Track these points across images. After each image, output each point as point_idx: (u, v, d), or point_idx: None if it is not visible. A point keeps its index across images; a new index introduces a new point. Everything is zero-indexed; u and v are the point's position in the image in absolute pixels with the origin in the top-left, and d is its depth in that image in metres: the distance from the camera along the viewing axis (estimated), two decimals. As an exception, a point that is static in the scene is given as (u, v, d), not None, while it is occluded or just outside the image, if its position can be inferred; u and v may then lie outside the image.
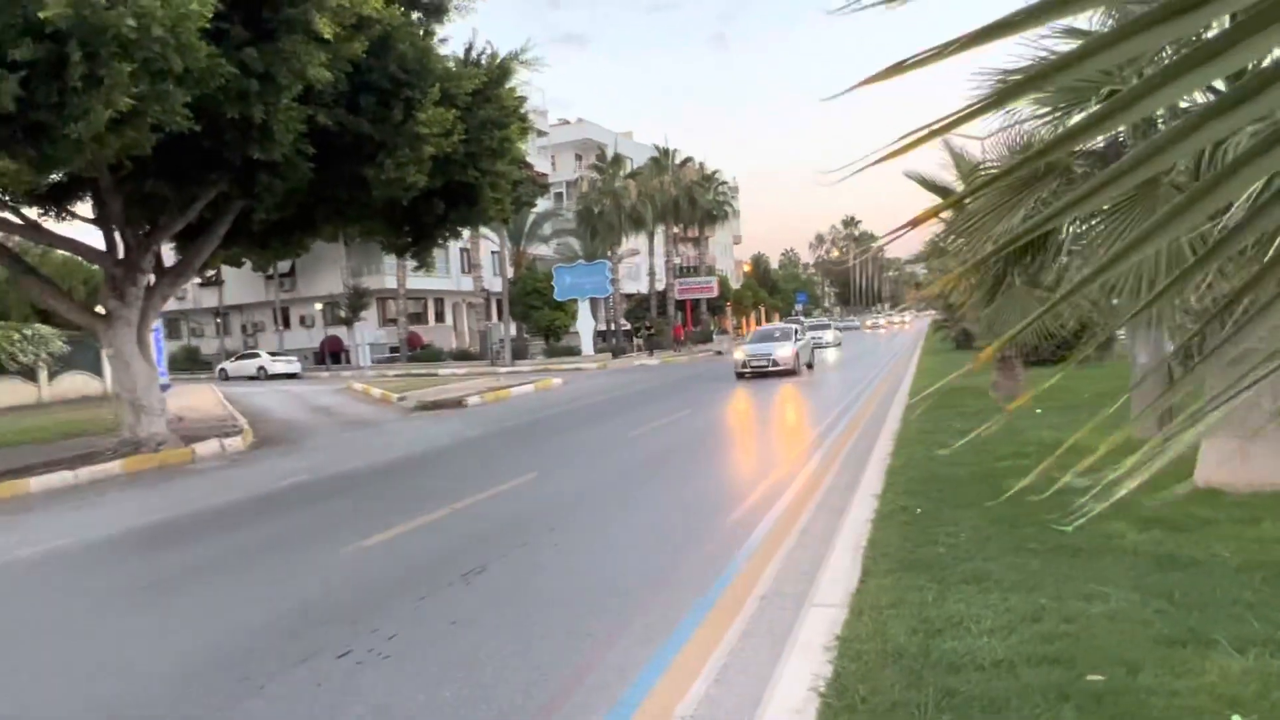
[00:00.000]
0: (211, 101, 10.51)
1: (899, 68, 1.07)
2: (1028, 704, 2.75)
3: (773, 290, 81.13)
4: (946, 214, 13.10)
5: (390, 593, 5.77)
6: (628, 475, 9.97)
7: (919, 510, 5.65)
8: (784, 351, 22.93)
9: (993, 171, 6.04)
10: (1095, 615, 3.50)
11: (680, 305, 58.49)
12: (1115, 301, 13.82)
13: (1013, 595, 3.83)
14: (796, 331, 25.28)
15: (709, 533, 6.81)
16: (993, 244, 6.12)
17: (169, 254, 16.74)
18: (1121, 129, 5.83)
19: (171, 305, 47.08)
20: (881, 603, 3.80)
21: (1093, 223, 5.29)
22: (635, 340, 48.17)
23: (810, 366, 25.23)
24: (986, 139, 7.52)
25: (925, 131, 1.03)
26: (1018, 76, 6.01)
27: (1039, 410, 10.40)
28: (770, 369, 22.65)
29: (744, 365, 22.96)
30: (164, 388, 22.90)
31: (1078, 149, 5.99)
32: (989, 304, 7.10)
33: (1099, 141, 6.24)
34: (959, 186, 12.20)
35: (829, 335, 39.35)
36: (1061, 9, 1.02)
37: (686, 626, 4.69)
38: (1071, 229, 5.39)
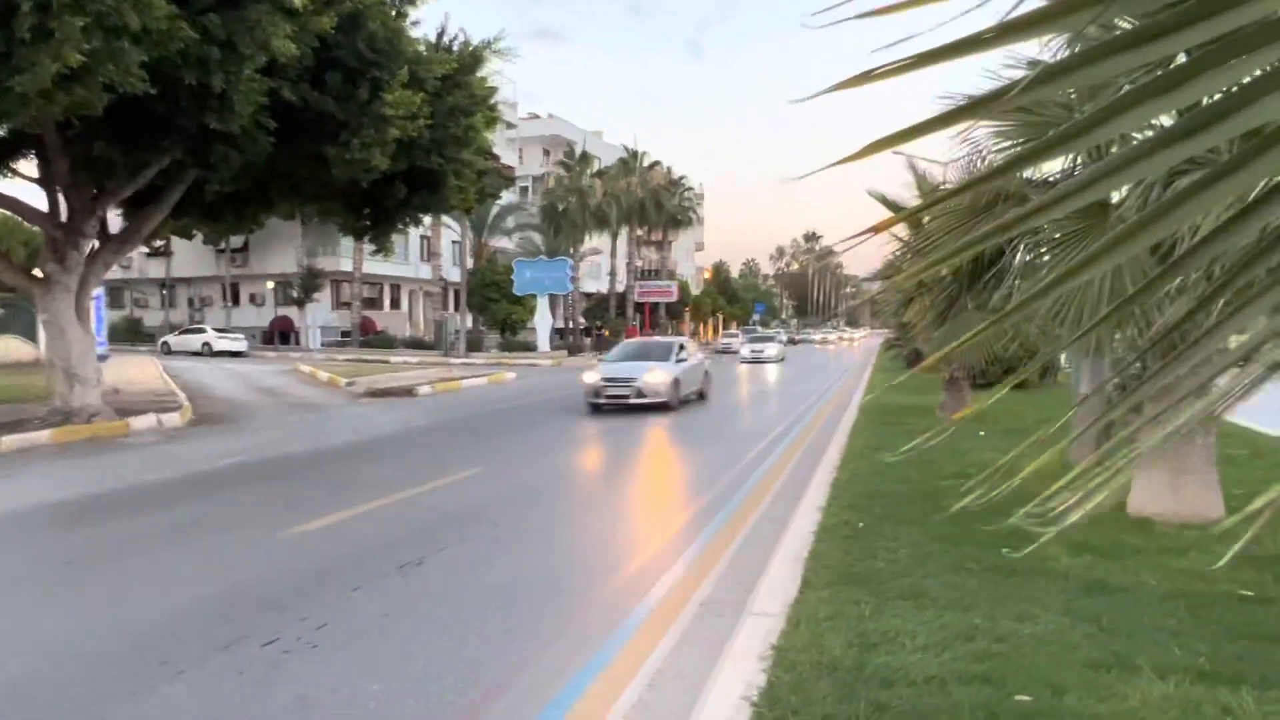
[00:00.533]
0: (169, 65, 10.18)
1: (867, 76, 1.06)
2: (956, 721, 2.78)
3: (732, 299, 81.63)
4: (905, 234, 13.32)
5: (323, 581, 5.62)
6: (574, 474, 9.92)
7: (861, 524, 5.70)
8: (655, 377, 16.30)
9: (949, 189, 6.14)
10: (1025, 636, 3.55)
11: (639, 307, 58.53)
12: (1059, 332, 14.17)
13: (948, 613, 3.87)
14: (680, 348, 18.12)
15: (652, 537, 6.79)
16: (948, 265, 6.22)
17: (115, 220, 16.17)
18: (1077, 162, 5.98)
19: (115, 274, 45.50)
20: (819, 615, 3.81)
21: (1041, 252, 5.40)
22: (587, 339, 47.58)
23: (702, 396, 18.58)
24: (948, 164, 7.66)
25: (883, 140, 1.03)
26: (974, 104, 6.14)
27: (982, 433, 10.61)
28: (633, 400, 16.07)
29: (596, 393, 16.32)
30: (101, 358, 22.14)
31: (1033, 180, 6.13)
32: (941, 325, 7.22)
33: (1055, 174, 6.40)
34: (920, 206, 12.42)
35: (771, 349, 36.88)
36: (1027, 29, 1.02)
37: (624, 630, 4.65)
38: (1021, 258, 5.48)
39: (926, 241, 6.27)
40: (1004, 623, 3.75)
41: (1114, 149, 5.70)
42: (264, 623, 4.83)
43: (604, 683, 3.97)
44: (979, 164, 5.87)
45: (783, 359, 36.84)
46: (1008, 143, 5.69)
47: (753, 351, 35.86)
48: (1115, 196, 5.79)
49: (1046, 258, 5.40)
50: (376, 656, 4.32)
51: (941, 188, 7.84)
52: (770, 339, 40.84)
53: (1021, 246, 5.58)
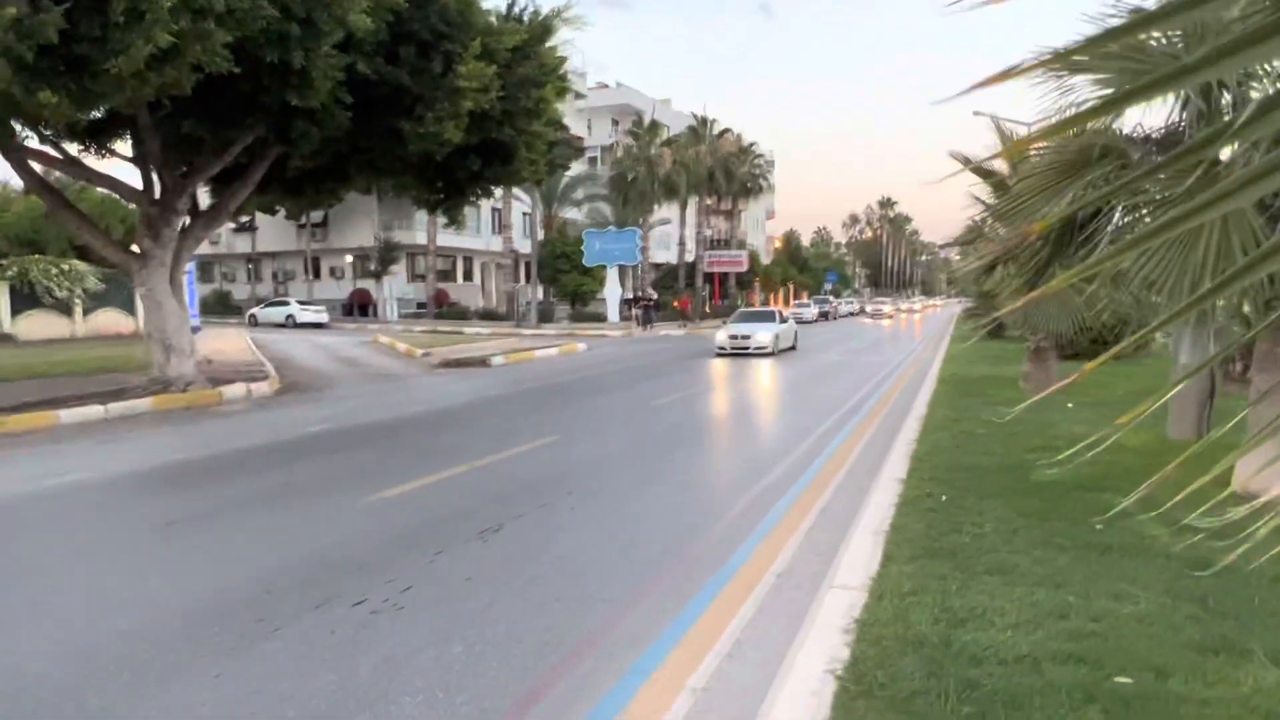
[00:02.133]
0: (252, 44, 10.44)
1: (1009, 74, 1.00)
2: (1051, 702, 2.67)
3: (803, 268, 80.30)
4: (988, 198, 12.78)
5: (406, 546, 5.79)
6: (649, 444, 9.93)
7: (944, 498, 5.55)
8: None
9: (1044, 128, 5.82)
10: (1124, 616, 3.40)
11: (709, 278, 58.08)
12: (1156, 299, 13.48)
13: (1039, 590, 3.73)
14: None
15: (728, 506, 6.76)
16: (1038, 227, 5.93)
17: (204, 197, 16.82)
18: (1182, 119, 5.60)
19: (205, 249, 47.49)
20: (903, 589, 3.72)
21: (1142, 214, 5.08)
22: (633, 310, 40.89)
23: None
24: (1036, 124, 7.27)
25: (994, 76, 0.97)
26: (1081, 57, 5.78)
27: (1070, 404, 10.19)
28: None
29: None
30: (194, 330, 23.20)
31: (1133, 136, 5.76)
32: (1029, 293, 6.90)
33: (1157, 128, 6.01)
34: (1006, 174, 11.89)
35: (763, 336, 23.24)
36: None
37: (702, 599, 4.65)
38: (1119, 219, 5.17)
39: (1016, 204, 5.99)
40: (1100, 602, 3.59)
41: (1225, 96, 5.31)
42: (352, 584, 5.00)
43: (682, 651, 3.98)
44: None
45: (791, 348, 25.56)
46: (1108, 91, 5.33)
47: (731, 339, 23.37)
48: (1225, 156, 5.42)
49: (1148, 219, 5.07)
50: (459, 619, 4.42)
51: (1030, 138, 7.43)
52: (769, 318, 25.78)
53: (1119, 209, 5.25)
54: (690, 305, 44.65)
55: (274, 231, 47.07)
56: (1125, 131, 5.68)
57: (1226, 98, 5.25)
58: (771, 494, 7.14)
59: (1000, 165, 11.86)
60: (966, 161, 12.30)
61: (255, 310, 41.29)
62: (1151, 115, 5.85)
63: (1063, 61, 5.42)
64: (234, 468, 8.77)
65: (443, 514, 6.66)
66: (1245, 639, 3.17)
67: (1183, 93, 5.05)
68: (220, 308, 47.26)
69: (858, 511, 6.14)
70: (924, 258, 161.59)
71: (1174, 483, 4.71)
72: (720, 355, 22.88)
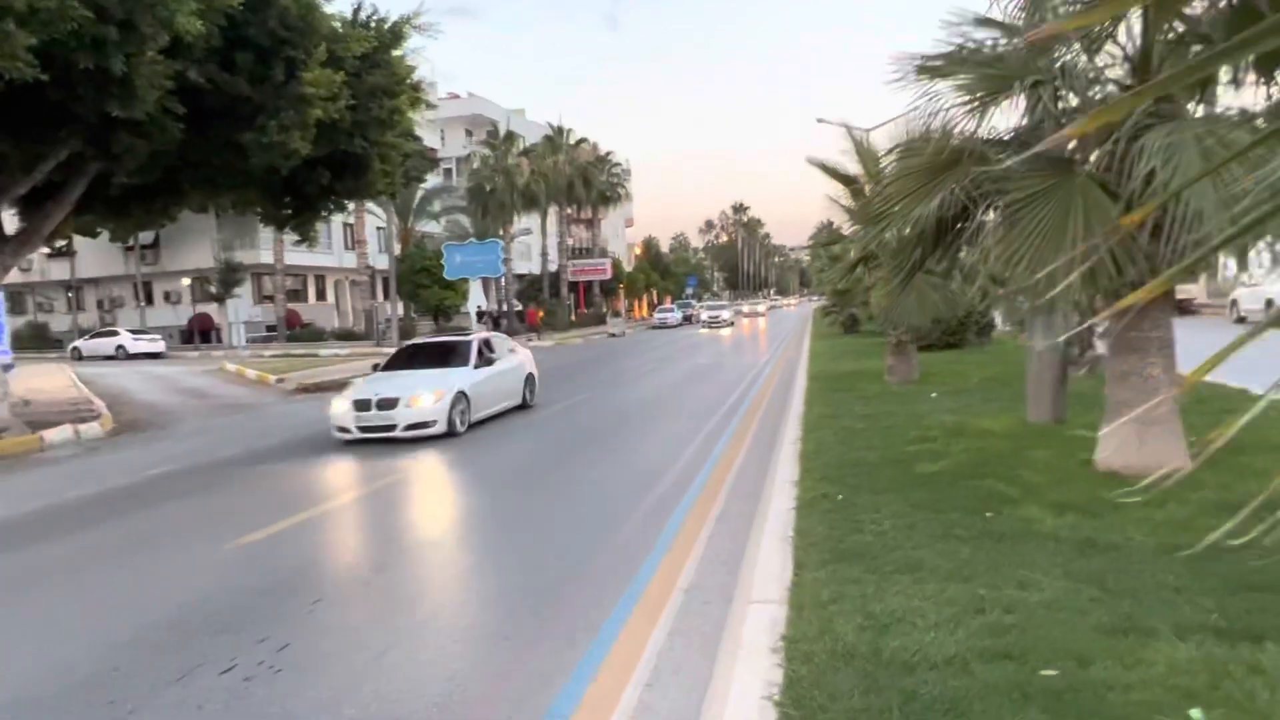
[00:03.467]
0: (62, 48, 9.35)
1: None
2: (991, 705, 2.65)
3: (665, 274, 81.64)
4: (848, 201, 13.26)
5: (280, 596, 5.24)
6: (536, 458, 9.62)
7: (840, 497, 5.60)
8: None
9: (912, 140, 6.00)
10: (1033, 605, 3.46)
11: (574, 286, 57.98)
12: (999, 292, 14.25)
13: (950, 585, 3.77)
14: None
15: (623, 520, 6.57)
16: (909, 228, 6.11)
17: (11, 221, 15.00)
18: (1032, 118, 5.90)
19: (14, 277, 42.71)
20: (821, 597, 3.65)
21: (1013, 209, 5.31)
22: (477, 325, 37.50)
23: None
24: (896, 123, 7.54)
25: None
26: (938, 62, 6.01)
27: (934, 394, 10.70)
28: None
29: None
30: (6, 368, 20.70)
31: (992, 139, 6.05)
32: (904, 288, 7.15)
33: (1006, 131, 6.34)
34: (859, 173, 12.39)
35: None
36: None
37: (611, 626, 4.43)
38: (995, 217, 5.39)
39: (884, 205, 6.15)
40: (1008, 591, 3.66)
41: (1070, 98, 5.63)
42: (218, 648, 4.45)
43: (599, 687, 3.76)
44: (939, 120, 5.71)
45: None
46: (965, 97, 5.56)
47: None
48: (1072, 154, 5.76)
49: (1014, 215, 5.31)
50: (349, 676, 4.00)
51: (885, 152, 7.68)
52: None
53: (994, 206, 5.47)
54: (538, 318, 44.31)
55: (97, 255, 42.94)
56: (983, 136, 5.95)
57: (1072, 99, 5.59)
58: (668, 501, 7.01)
59: (855, 169, 12.37)
60: (823, 166, 12.74)
61: (79, 342, 37.57)
62: (1004, 119, 6.22)
63: (930, 72, 5.64)
64: (64, 522, 7.77)
65: (317, 556, 6.12)
66: (1147, 617, 3.29)
67: (1034, 97, 5.33)
68: (37, 341, 42.66)
69: (754, 516, 6.11)
70: (777, 259, 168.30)
71: (1043, 464, 4.91)
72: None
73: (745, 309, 70.47)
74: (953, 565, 4.06)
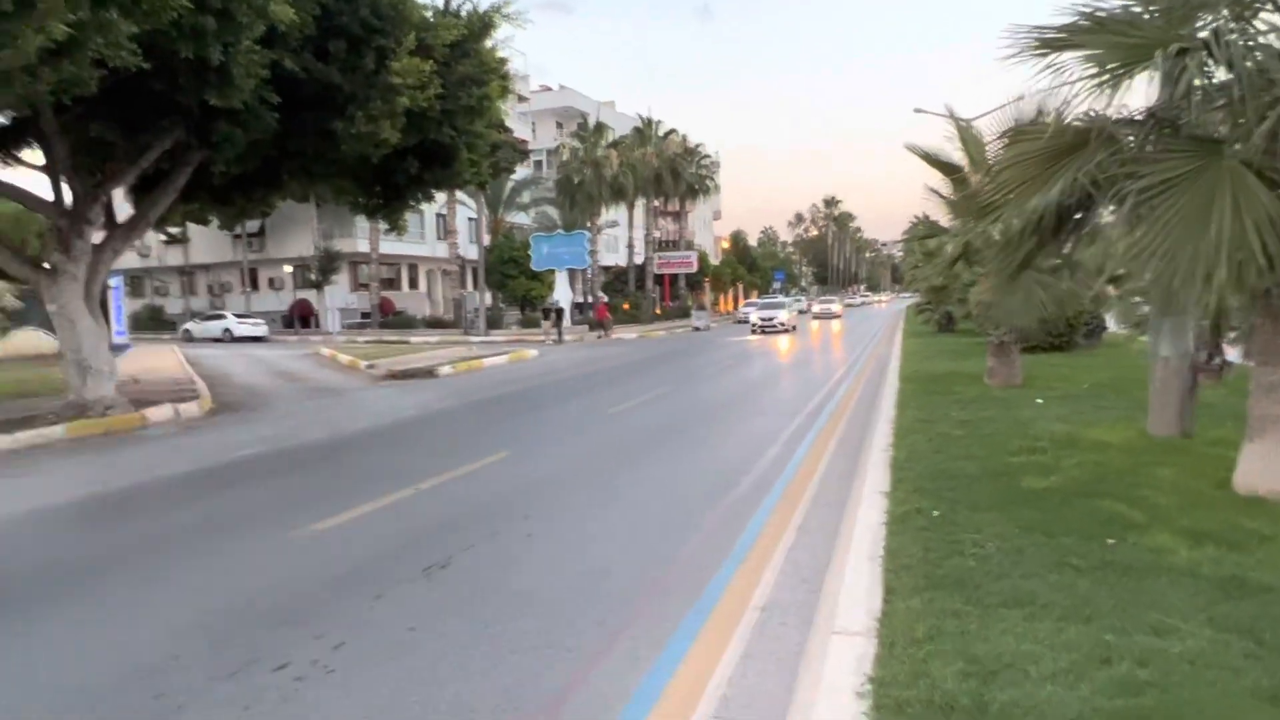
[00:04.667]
0: (163, 38, 9.58)
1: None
2: (1127, 788, 2.19)
3: (751, 267, 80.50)
4: (949, 192, 12.49)
5: (341, 589, 5.12)
6: (607, 456, 9.37)
7: (935, 513, 5.09)
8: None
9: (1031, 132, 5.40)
10: (1173, 658, 2.95)
11: (659, 279, 57.74)
12: (1112, 291, 13.22)
13: (1068, 625, 3.27)
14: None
15: (697, 525, 6.23)
16: (1024, 219, 5.52)
17: (125, 208, 15.71)
18: (1174, 94, 5.22)
19: (134, 262, 45.45)
20: (916, 633, 3.22)
21: (1148, 197, 4.68)
22: (545, 323, 35.87)
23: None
24: (978, 116, 6.89)
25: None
26: (1060, 34, 5.39)
27: (1040, 400, 9.92)
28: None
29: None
30: (123, 348, 21.83)
31: (1125, 118, 5.39)
32: (1010, 286, 6.52)
33: (1140, 110, 5.65)
34: (962, 159, 11.62)
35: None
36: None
37: (679, 643, 4.10)
38: (1124, 207, 4.76)
39: (999, 194, 5.57)
40: (1139, 638, 3.14)
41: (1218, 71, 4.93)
42: (276, 642, 4.33)
43: (661, 712, 3.43)
44: (1063, 96, 5.10)
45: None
46: (1093, 69, 4.92)
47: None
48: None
49: (1147, 205, 4.68)
50: (401, 683, 3.80)
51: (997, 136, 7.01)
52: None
53: (1122, 195, 4.83)
54: (607, 314, 39.56)
55: (208, 243, 45.25)
56: (1112, 115, 5.30)
57: (1220, 74, 4.90)
58: (744, 507, 6.63)
59: (960, 159, 11.60)
60: (924, 155, 12.02)
61: (190, 325, 39.62)
62: (1135, 97, 5.56)
63: (1051, 45, 5.05)
64: (151, 501, 7.95)
65: (384, 547, 6.00)
66: (1316, 681, 2.74)
67: (1177, 68, 4.68)
68: (153, 323, 45.25)
69: (839, 529, 5.66)
70: (868, 254, 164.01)
71: (1170, 484, 4.26)
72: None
73: (815, 308, 55.16)
74: (1070, 601, 3.55)
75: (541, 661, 3.97)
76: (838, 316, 51.27)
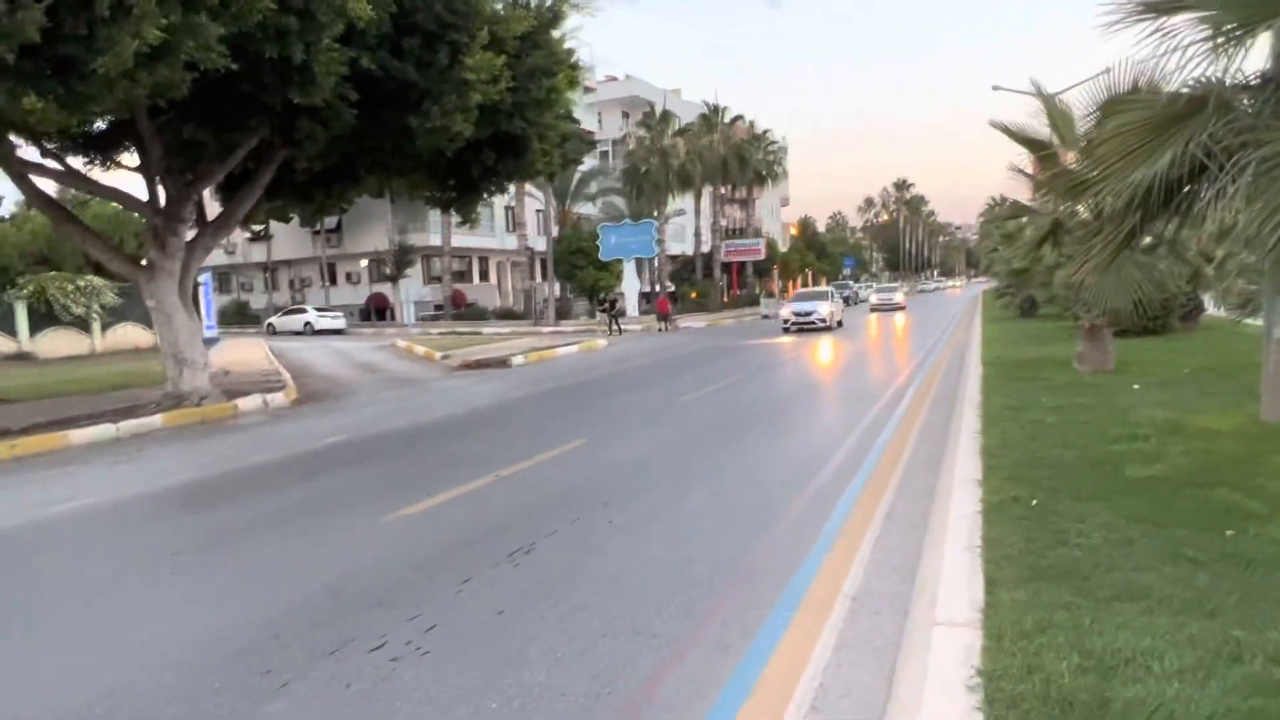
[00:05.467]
0: (249, 40, 9.92)
1: None
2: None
3: (820, 254, 79.23)
4: (1035, 170, 12.01)
5: (430, 572, 5.22)
6: (683, 443, 9.33)
7: (1034, 501, 4.89)
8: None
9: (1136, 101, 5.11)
10: (1312, 655, 2.75)
11: (726, 267, 57.34)
12: (1210, 271, 12.56)
13: (1189, 620, 3.09)
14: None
15: (780, 512, 6.14)
16: (1126, 194, 5.24)
17: (214, 206, 16.38)
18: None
19: (221, 260, 47.43)
20: (1025, 625, 3.09)
21: (1269, 167, 4.37)
22: (600, 314, 34.99)
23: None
24: (1066, 89, 6.54)
25: None
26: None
27: (1136, 386, 9.46)
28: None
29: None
30: (212, 341, 22.83)
31: (1242, 84, 5.06)
32: (1110, 264, 6.21)
33: (1255, 75, 5.29)
34: (1049, 136, 11.15)
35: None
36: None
37: (770, 631, 4.04)
38: (1244, 179, 4.45)
39: (1101, 167, 5.30)
40: (1272, 634, 2.94)
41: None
42: (371, 623, 4.44)
43: (755, 704, 3.38)
44: (1175, 61, 4.79)
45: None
46: (1208, 31, 4.61)
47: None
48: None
49: (1264, 182, 4.37)
50: (493, 665, 3.84)
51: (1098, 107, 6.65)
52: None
53: (1239, 166, 4.52)
54: (669, 306, 36.15)
55: (289, 239, 46.85)
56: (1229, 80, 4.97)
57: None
58: (827, 495, 6.51)
59: (1046, 135, 11.13)
60: (1007, 130, 11.57)
61: (273, 319, 41.14)
62: (1249, 62, 5.19)
63: (1157, 8, 4.76)
64: (246, 486, 8.27)
65: (469, 533, 6.09)
66: None
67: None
68: (238, 317, 47.17)
69: (929, 517, 5.50)
70: (942, 239, 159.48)
71: None
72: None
73: (874, 299, 45.35)
74: (1189, 595, 3.35)
75: (631, 647, 3.96)
76: (901, 308, 41.99)
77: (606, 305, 33.65)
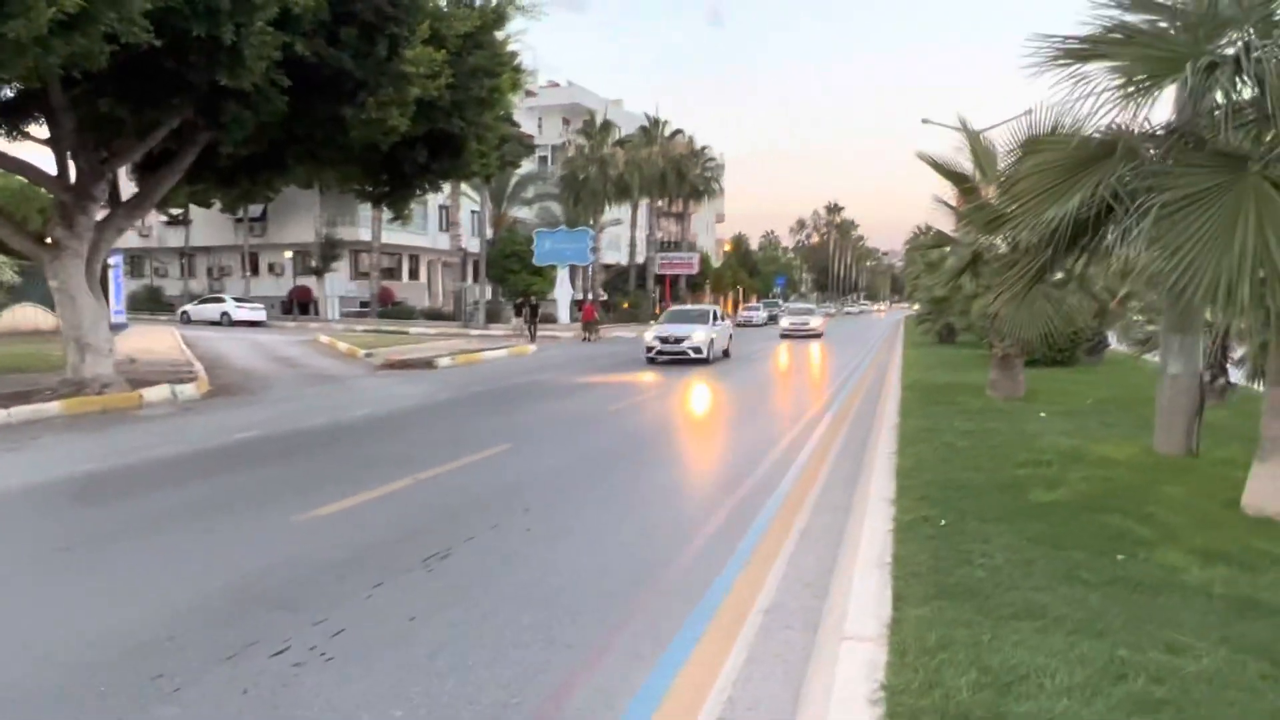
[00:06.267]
0: (176, 15, 9.55)
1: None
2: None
3: (752, 272, 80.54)
4: (957, 202, 12.45)
5: (340, 575, 5.07)
6: (608, 453, 9.33)
7: (943, 522, 5.06)
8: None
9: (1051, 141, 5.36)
10: (1189, 677, 2.91)
11: (660, 280, 57.73)
12: (1116, 307, 13.17)
13: (1080, 639, 3.23)
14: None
15: (698, 525, 6.19)
16: (1040, 229, 5.49)
17: (128, 186, 15.63)
18: (1198, 108, 5.19)
19: (135, 242, 45.32)
20: (928, 641, 3.18)
21: (1169, 211, 4.64)
22: (516, 320, 34.54)
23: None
24: (990, 127, 6.85)
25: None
26: (1083, 45, 5.36)
27: (1043, 414, 9.89)
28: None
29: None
30: (121, 327, 21.76)
31: (1148, 132, 5.36)
32: (1024, 297, 6.48)
33: (1161, 125, 5.62)
34: (972, 170, 11.60)
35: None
36: None
37: (682, 643, 4.05)
38: (1145, 222, 4.71)
39: (1017, 203, 5.54)
40: (1153, 654, 3.11)
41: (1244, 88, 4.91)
42: (274, 626, 4.28)
43: (665, 712, 3.39)
44: (1087, 108, 5.05)
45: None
46: (1120, 80, 4.89)
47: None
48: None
49: (1168, 220, 4.64)
50: (401, 673, 3.75)
51: (1016, 146, 6.95)
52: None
53: (1142, 209, 4.79)
54: (594, 314, 34.75)
55: (210, 226, 45.13)
56: (1133, 129, 5.27)
57: (1246, 91, 4.87)
58: (746, 509, 6.59)
59: (969, 169, 11.57)
60: (933, 163, 11.99)
61: (188, 307, 39.48)
62: (1155, 112, 5.54)
63: (1076, 55, 5.02)
64: (147, 480, 7.88)
65: (384, 536, 5.94)
66: (1336, 706, 2.70)
67: (1206, 82, 4.65)
68: (151, 304, 45.09)
69: (844, 535, 5.63)
70: (869, 264, 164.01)
71: (1179, 502, 4.22)
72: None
73: (785, 323, 37.65)
74: (1082, 615, 3.51)
75: (544, 656, 3.92)
76: (816, 335, 35.53)
77: (526, 310, 32.27)
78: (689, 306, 29.21)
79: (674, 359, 21.01)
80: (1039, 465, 6.71)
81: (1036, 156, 5.77)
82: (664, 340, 21.25)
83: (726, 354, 23.27)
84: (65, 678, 3.73)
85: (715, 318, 23.42)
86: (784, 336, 35.56)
